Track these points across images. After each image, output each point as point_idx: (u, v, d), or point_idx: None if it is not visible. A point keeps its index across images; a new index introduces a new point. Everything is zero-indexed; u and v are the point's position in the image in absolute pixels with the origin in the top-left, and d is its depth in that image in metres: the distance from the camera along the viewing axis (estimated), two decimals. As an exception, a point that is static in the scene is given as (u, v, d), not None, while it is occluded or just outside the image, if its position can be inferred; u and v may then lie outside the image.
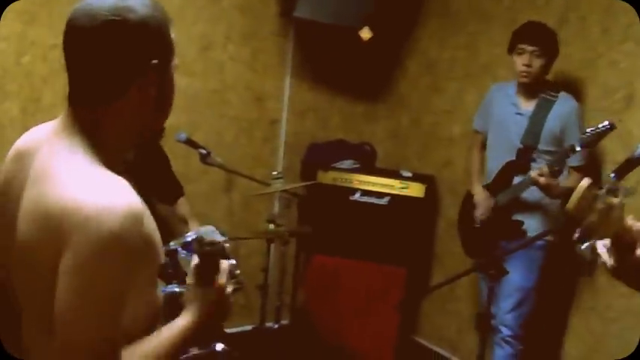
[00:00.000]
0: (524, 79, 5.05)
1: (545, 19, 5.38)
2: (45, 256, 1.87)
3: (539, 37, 4.95)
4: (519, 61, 5.01)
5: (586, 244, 2.09)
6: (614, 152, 5.04)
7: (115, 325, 1.86)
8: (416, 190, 6.36)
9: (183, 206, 5.46)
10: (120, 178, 1.96)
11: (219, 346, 4.37)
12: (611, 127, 4.42)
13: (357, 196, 6.42)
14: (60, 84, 5.50)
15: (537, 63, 4.95)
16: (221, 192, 6.17)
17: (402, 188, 6.36)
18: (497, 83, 5.48)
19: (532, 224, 5.07)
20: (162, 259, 2.13)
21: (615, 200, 2.05)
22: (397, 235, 6.35)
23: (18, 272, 2.04)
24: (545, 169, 4.77)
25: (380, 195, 6.40)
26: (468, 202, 5.55)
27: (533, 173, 4.82)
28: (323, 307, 6.48)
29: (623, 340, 4.88)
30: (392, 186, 6.37)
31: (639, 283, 2.17)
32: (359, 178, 6.45)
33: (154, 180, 5.35)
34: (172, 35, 2.17)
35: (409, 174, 6.49)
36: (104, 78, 1.99)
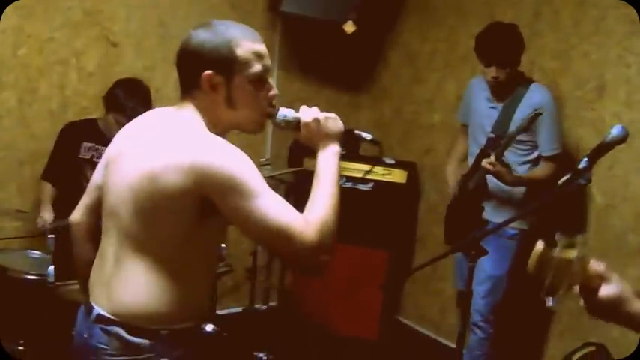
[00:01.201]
0: (494, 87, 5.04)
1: (520, 12, 5.42)
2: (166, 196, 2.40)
3: (496, 57, 4.88)
4: (487, 73, 4.97)
5: (551, 300, 2.15)
6: (588, 140, 5.06)
7: (268, 211, 2.39)
8: (398, 176, 6.36)
9: None
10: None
11: (210, 327, 4.38)
12: (539, 114, 4.50)
13: (342, 182, 6.38)
14: (55, 75, 5.50)
15: (503, 73, 4.88)
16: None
17: (385, 175, 6.36)
18: (476, 77, 5.41)
19: (489, 210, 5.07)
20: None
21: (572, 254, 2.11)
22: (381, 220, 6.36)
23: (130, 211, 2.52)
24: (492, 157, 4.77)
25: (364, 181, 6.39)
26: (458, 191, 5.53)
27: (483, 161, 4.81)
28: (309, 289, 6.49)
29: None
30: (375, 172, 6.36)
31: (613, 319, 2.21)
32: (344, 164, 6.37)
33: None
34: (248, 49, 2.56)
35: (392, 161, 6.48)
36: (183, 73, 2.71)
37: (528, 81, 5.05)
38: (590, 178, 2.96)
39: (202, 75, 2.51)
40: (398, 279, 6.71)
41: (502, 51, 4.87)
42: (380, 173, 6.35)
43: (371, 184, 6.38)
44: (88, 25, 5.59)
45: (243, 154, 2.45)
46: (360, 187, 6.39)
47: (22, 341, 4.31)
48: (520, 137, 4.83)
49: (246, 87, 2.55)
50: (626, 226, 4.95)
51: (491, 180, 4.97)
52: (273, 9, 6.40)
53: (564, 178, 3.00)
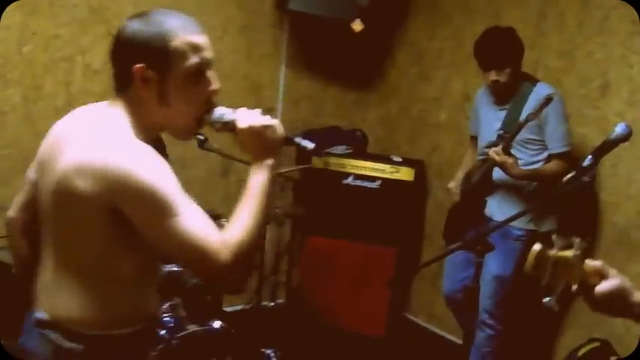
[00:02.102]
0: (496, 90, 5.07)
1: (525, 13, 5.43)
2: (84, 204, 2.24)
3: (492, 61, 4.92)
4: (486, 78, 5.00)
5: (549, 299, 2.19)
6: (591, 138, 5.07)
7: (186, 225, 2.24)
8: (406, 174, 6.37)
9: None
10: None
11: (217, 324, 4.39)
12: (550, 98, 4.55)
13: (349, 180, 6.42)
14: (60, 72, 5.51)
15: (504, 76, 4.91)
16: (218, 177, 6.17)
17: (393, 172, 6.37)
18: (482, 88, 5.43)
19: (493, 206, 5.10)
20: None
21: (570, 254, 2.15)
22: (388, 217, 6.37)
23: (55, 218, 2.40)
24: (499, 148, 4.79)
25: (371, 179, 6.41)
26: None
27: (490, 151, 4.83)
28: (317, 286, 6.50)
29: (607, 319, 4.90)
30: (383, 170, 6.38)
31: (616, 313, 2.25)
32: (351, 162, 6.45)
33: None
34: (184, 41, 2.40)
35: (399, 159, 6.50)
36: (115, 67, 2.47)
37: (534, 80, 5.05)
38: (594, 176, 2.97)
39: (133, 69, 2.32)
40: (405, 276, 6.72)
41: (497, 54, 4.90)
42: (387, 171, 6.37)
43: (378, 182, 6.39)
44: (94, 22, 5.59)
45: (166, 164, 2.32)
46: (368, 184, 6.40)
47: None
48: (530, 136, 4.85)
49: (180, 82, 2.37)
50: (630, 223, 4.96)
51: (496, 174, 5.00)
52: (280, 7, 6.39)
53: (568, 175, 3.01)
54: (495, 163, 4.84)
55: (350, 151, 6.67)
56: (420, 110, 6.89)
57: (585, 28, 5.24)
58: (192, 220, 2.26)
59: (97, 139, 2.27)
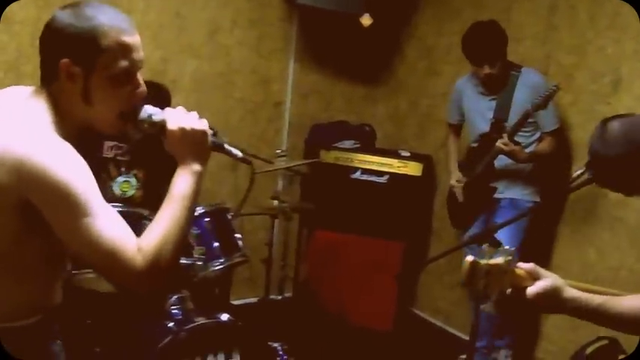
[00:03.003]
0: (488, 81, 5.20)
1: (536, 7, 5.41)
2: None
3: (485, 56, 5.07)
4: (479, 71, 5.15)
5: (486, 304, 2.30)
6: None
7: (102, 230, 2.14)
8: (414, 168, 6.37)
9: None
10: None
11: (225, 317, 4.39)
12: (557, 88, 4.71)
13: (357, 174, 6.42)
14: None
15: (496, 69, 5.08)
16: (227, 170, 6.17)
17: (401, 167, 6.37)
18: (459, 80, 5.63)
19: (502, 186, 5.26)
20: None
21: (501, 261, 2.27)
22: (396, 212, 6.37)
23: None
24: (505, 138, 4.94)
25: (379, 173, 6.41)
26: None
27: (497, 142, 4.98)
28: (325, 280, 6.50)
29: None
30: (391, 165, 6.38)
31: (553, 309, 2.40)
32: (359, 157, 6.45)
33: (158, 165, 5.37)
34: (114, 41, 2.28)
35: (407, 153, 6.50)
36: (42, 60, 2.36)
37: (518, 67, 5.20)
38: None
39: (60, 63, 2.23)
40: (413, 271, 6.71)
41: (489, 49, 5.06)
42: (395, 166, 6.36)
43: (386, 177, 6.39)
44: (106, 16, 5.60)
45: (85, 164, 2.20)
46: (376, 179, 6.40)
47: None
48: (520, 120, 4.95)
49: (106, 83, 2.27)
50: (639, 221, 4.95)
51: (499, 160, 5.15)
52: (290, 1, 6.39)
53: (578, 171, 3.01)
54: (502, 152, 5.00)
55: (358, 145, 6.67)
56: (429, 105, 6.88)
57: (597, 22, 5.21)
58: (106, 223, 2.17)
59: (17, 131, 2.16)
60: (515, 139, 5.04)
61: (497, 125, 5.19)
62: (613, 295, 2.50)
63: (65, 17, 2.27)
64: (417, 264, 6.62)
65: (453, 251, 4.34)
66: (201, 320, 4.20)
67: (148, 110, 2.40)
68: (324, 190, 6.38)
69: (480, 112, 5.36)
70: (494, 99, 5.25)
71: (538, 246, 5.30)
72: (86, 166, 2.19)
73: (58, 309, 2.53)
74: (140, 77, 2.36)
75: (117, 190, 5.14)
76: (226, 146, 2.61)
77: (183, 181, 2.40)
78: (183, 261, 4.38)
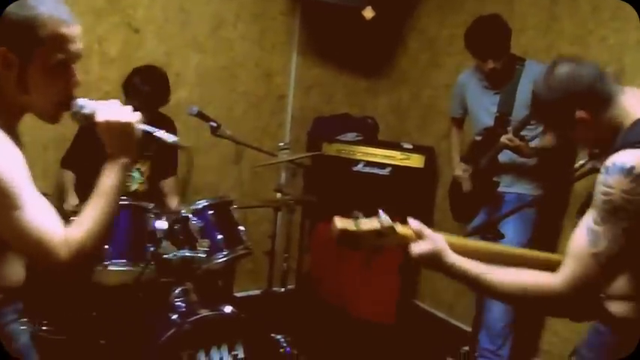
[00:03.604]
0: (493, 76, 5.16)
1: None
2: None
3: (490, 51, 5.02)
4: (484, 66, 5.09)
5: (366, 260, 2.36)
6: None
7: (29, 219, 2.14)
8: (416, 160, 6.36)
9: (169, 183, 5.49)
10: None
11: (228, 309, 4.40)
12: None
13: (360, 166, 6.43)
14: (81, 62, 5.52)
15: (500, 63, 5.03)
16: (231, 163, 6.17)
17: (403, 159, 6.37)
18: (463, 73, 5.57)
19: (507, 180, 5.19)
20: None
21: (375, 224, 2.46)
22: (398, 204, 6.34)
23: None
24: (511, 134, 4.87)
25: (382, 166, 6.41)
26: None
27: (502, 138, 4.91)
28: (327, 272, 6.51)
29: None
30: (393, 157, 6.38)
31: (435, 269, 2.50)
32: (362, 149, 6.46)
33: (160, 157, 5.38)
34: (53, 32, 2.24)
35: (410, 146, 6.50)
36: None
37: (521, 60, 5.16)
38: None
39: None
40: (415, 263, 6.71)
41: (494, 44, 5.00)
42: (398, 158, 6.36)
43: (389, 169, 6.39)
44: (110, 11, 5.62)
45: (16, 152, 2.21)
46: (378, 171, 6.40)
47: (45, 322, 4.33)
48: (525, 113, 4.92)
49: (42, 73, 2.25)
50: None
51: (504, 155, 5.09)
52: (292, -5, 6.39)
53: (581, 161, 3.00)
54: (506, 148, 4.93)
55: (360, 138, 6.67)
56: (431, 97, 6.88)
57: (599, 12, 5.20)
58: (34, 213, 2.16)
59: None
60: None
61: (502, 119, 5.16)
62: (500, 255, 2.59)
63: (12, 5, 2.20)
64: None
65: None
66: (204, 312, 4.21)
67: (79, 103, 2.41)
68: (327, 183, 6.38)
69: (484, 107, 5.32)
70: (498, 93, 5.21)
71: (544, 240, 5.28)
72: (19, 155, 2.20)
73: (21, 288, 2.49)
74: (76, 68, 2.34)
75: (120, 184, 5.15)
76: (157, 133, 2.59)
77: (110, 174, 2.40)
78: (187, 253, 4.39)
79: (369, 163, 6.42)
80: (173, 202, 5.35)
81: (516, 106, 5.09)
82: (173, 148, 5.46)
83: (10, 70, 2.21)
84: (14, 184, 2.12)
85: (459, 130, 5.79)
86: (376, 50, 7.17)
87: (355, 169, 6.44)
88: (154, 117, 5.20)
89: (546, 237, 5.32)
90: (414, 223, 2.35)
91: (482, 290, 2.40)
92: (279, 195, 5.28)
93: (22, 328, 2.51)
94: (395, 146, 6.50)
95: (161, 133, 2.60)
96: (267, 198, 5.56)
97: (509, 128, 4.93)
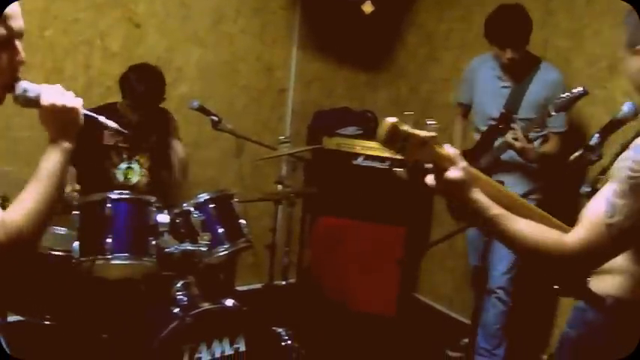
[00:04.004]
0: (509, 67, 5.08)
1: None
2: None
3: (510, 40, 4.94)
4: (502, 55, 5.01)
5: (400, 169, 2.31)
6: (599, 118, 5.04)
7: None
8: (415, 154, 6.35)
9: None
10: None
11: (230, 302, 4.41)
12: (585, 93, 4.40)
13: (359, 160, 6.43)
14: (80, 56, 5.54)
15: (518, 53, 4.94)
16: (232, 157, 6.17)
17: (403, 152, 6.36)
18: (477, 57, 5.49)
19: (510, 181, 5.05)
20: None
21: (421, 133, 2.26)
22: (398, 197, 6.37)
23: None
24: (519, 133, 4.79)
25: (381, 159, 6.41)
26: None
27: (508, 137, 4.85)
28: (328, 265, 6.52)
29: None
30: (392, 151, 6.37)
31: (458, 200, 2.38)
32: (362, 143, 6.46)
33: (160, 150, 5.39)
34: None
35: (409, 139, 6.48)
36: None
37: (538, 60, 5.09)
38: (602, 155, 2.97)
39: None
40: (415, 255, 6.73)
41: (516, 33, 4.91)
42: (397, 151, 6.36)
43: (388, 162, 6.39)
44: (112, 6, 5.64)
45: None
46: (377, 164, 6.41)
47: (47, 316, 4.34)
48: (529, 115, 4.90)
49: None
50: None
51: (505, 154, 5.03)
52: (292, -11, 6.40)
53: (576, 153, 3.01)
54: (511, 148, 4.87)
55: (360, 131, 6.68)
56: (429, 91, 6.89)
57: (594, 7, 5.21)
58: None
59: None
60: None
61: (507, 117, 5.09)
62: (523, 206, 2.54)
63: None
64: (419, 249, 6.63)
65: (455, 234, 4.34)
66: (206, 306, 4.22)
67: (23, 85, 2.35)
68: (327, 176, 6.38)
69: (492, 95, 5.24)
70: (507, 87, 5.15)
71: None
72: None
73: None
74: (20, 46, 2.29)
75: (120, 177, 5.17)
76: (100, 119, 2.64)
77: (51, 159, 2.36)
78: (188, 247, 4.41)
79: (368, 157, 6.42)
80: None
81: (523, 106, 5.04)
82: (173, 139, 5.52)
83: None
84: None
85: (463, 119, 5.70)
86: (375, 45, 7.18)
87: (355, 162, 6.44)
88: (151, 114, 5.21)
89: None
90: (451, 149, 2.32)
91: (496, 233, 2.36)
92: (279, 188, 5.28)
93: None
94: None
95: (103, 119, 2.65)
96: (268, 191, 5.57)
97: (516, 127, 4.86)
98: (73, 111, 2.39)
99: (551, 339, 5.63)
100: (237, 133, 5.32)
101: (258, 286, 6.32)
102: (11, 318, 4.41)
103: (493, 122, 5.19)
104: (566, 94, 4.49)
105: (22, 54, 2.28)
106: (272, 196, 5.38)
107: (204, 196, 4.70)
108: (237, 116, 6.22)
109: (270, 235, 5.44)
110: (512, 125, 4.90)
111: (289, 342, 5.01)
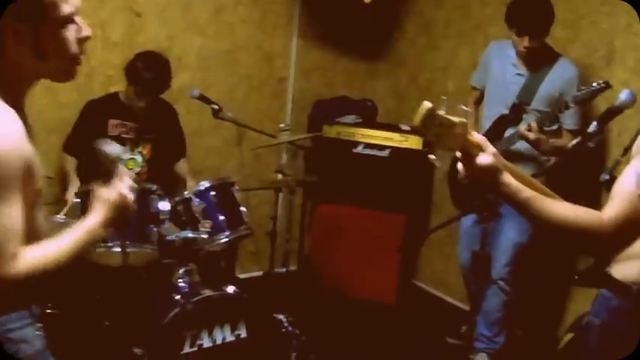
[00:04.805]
0: (525, 56, 4.97)
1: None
2: None
3: (530, 27, 4.81)
4: (518, 42, 4.90)
5: (433, 157, 2.39)
6: (597, 107, 5.02)
7: (10, 228, 2.05)
8: (414, 142, 6.36)
9: (182, 165, 5.52)
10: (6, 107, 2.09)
11: (231, 289, 4.42)
12: (607, 86, 4.31)
13: (359, 148, 6.43)
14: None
15: (535, 43, 4.82)
16: (232, 145, 6.18)
17: (402, 141, 6.37)
18: (496, 41, 5.39)
19: None
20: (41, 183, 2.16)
21: (455, 119, 2.25)
22: (397, 185, 6.37)
23: None
24: (534, 125, 4.70)
25: (381, 147, 6.41)
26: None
27: (521, 128, 4.78)
28: (328, 253, 6.51)
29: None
30: (392, 139, 6.38)
31: (487, 185, 2.38)
32: (361, 131, 6.46)
33: (164, 139, 5.40)
34: None
35: (408, 127, 6.49)
36: None
37: (556, 54, 5.00)
38: (600, 142, 2.97)
39: (3, 26, 2.07)
40: (415, 243, 6.73)
41: (537, 21, 4.81)
42: (397, 140, 6.37)
43: (388, 151, 6.39)
44: (113, -5, 5.63)
45: (18, 145, 2.09)
46: (377, 153, 6.40)
47: (49, 304, 4.34)
48: (543, 108, 4.84)
49: (56, 32, 2.16)
50: (636, 192, 4.95)
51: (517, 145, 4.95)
52: (292, -22, 6.39)
53: (574, 141, 3.02)
54: (524, 139, 4.78)
55: (360, 120, 6.67)
56: (428, 80, 6.89)
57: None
58: (5, 215, 2.04)
59: None
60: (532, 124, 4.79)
61: (519, 108, 5.02)
62: (544, 191, 2.53)
63: None
64: (418, 236, 6.63)
65: (454, 220, 4.36)
66: (207, 292, 4.23)
67: (116, 150, 2.53)
68: (327, 165, 6.37)
69: (504, 81, 5.13)
70: (521, 74, 5.05)
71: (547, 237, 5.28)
72: (19, 148, 2.10)
73: (36, 292, 2.43)
74: (81, 21, 2.26)
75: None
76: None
77: (94, 232, 2.38)
78: (189, 234, 4.42)
79: (368, 145, 6.42)
80: (191, 183, 5.35)
81: (537, 97, 4.94)
82: (178, 130, 5.53)
83: (23, 41, 2.11)
84: (7, 176, 2.04)
85: (475, 106, 5.53)
86: (375, 34, 7.16)
87: (355, 151, 6.43)
88: (155, 103, 5.22)
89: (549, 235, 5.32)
90: (479, 136, 2.32)
91: (530, 214, 2.35)
92: (280, 176, 5.28)
93: (37, 333, 2.42)
94: (394, 128, 6.50)
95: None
96: (269, 179, 5.57)
97: (532, 120, 4.78)
98: (129, 211, 2.50)
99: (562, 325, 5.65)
100: (238, 121, 5.32)
101: (259, 273, 6.33)
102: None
103: (505, 111, 5.10)
104: (587, 87, 4.43)
105: (87, 29, 2.27)
106: (272, 184, 5.38)
107: (205, 184, 4.71)
108: (238, 105, 6.21)
109: (270, 223, 5.44)
110: (525, 116, 4.86)
111: (290, 329, 5.03)
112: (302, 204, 6.36)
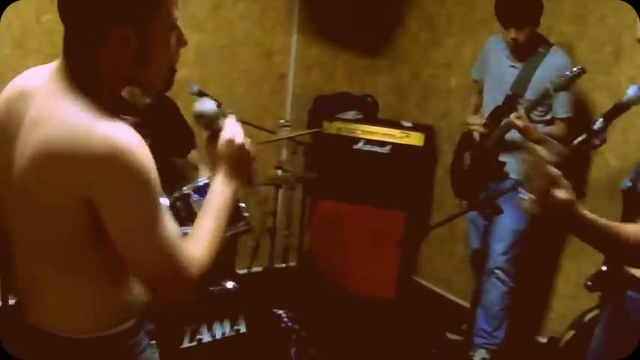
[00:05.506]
0: (514, 47, 5.06)
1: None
2: (52, 193, 1.89)
3: (513, 19, 4.91)
4: (506, 35, 5.00)
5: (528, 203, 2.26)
6: (603, 104, 5.02)
7: (167, 230, 1.95)
8: (416, 139, 6.35)
9: (194, 155, 5.50)
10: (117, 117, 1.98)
11: (230, 284, 4.39)
12: (582, 71, 4.47)
13: (360, 144, 6.41)
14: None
15: (522, 35, 4.91)
16: (232, 142, 6.15)
17: (403, 137, 6.36)
18: (494, 35, 5.43)
19: (513, 164, 5.02)
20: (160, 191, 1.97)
21: (543, 152, 2.33)
22: (398, 181, 6.36)
23: (18, 210, 2.05)
24: (522, 112, 4.79)
25: (382, 144, 6.40)
26: (461, 146, 5.55)
27: (511, 116, 4.83)
28: (328, 249, 6.51)
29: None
30: (393, 135, 6.36)
31: (564, 221, 2.29)
32: (362, 128, 6.44)
33: (167, 133, 5.38)
34: None
35: (409, 124, 6.49)
36: (83, 29, 1.92)
37: (548, 44, 5.06)
38: (605, 139, 2.94)
39: (111, 31, 1.89)
40: (415, 239, 6.71)
41: (519, 13, 4.87)
42: (397, 136, 6.35)
43: (388, 147, 6.38)
44: (111, -10, 5.59)
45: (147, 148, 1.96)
46: (378, 149, 6.39)
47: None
48: (537, 97, 4.85)
49: (161, 39, 2.02)
50: (640, 189, 4.94)
51: (512, 134, 5.00)
52: (292, -26, 6.37)
53: (580, 138, 2.98)
54: (514, 127, 4.85)
55: (361, 116, 6.66)
56: (430, 76, 6.87)
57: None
58: (168, 227, 1.96)
59: (71, 120, 1.86)
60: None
61: (513, 99, 5.07)
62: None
63: None
64: (418, 233, 6.62)
65: (454, 218, 4.32)
66: (207, 288, 4.21)
67: (211, 106, 2.46)
68: (328, 161, 6.36)
69: (500, 73, 5.23)
70: (515, 66, 5.13)
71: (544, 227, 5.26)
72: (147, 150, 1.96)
73: (151, 307, 2.29)
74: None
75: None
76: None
77: (225, 193, 2.26)
78: (188, 230, 4.39)
79: (369, 141, 6.41)
80: (204, 172, 5.32)
81: (530, 88, 5.01)
82: (181, 124, 5.50)
83: (127, 47, 1.93)
84: (156, 187, 1.93)
85: (477, 98, 5.65)
86: (376, 29, 7.13)
87: (355, 147, 6.42)
88: (157, 100, 5.19)
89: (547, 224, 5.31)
90: (554, 170, 2.23)
91: (607, 242, 2.29)
92: (280, 172, 5.26)
93: (153, 351, 2.34)
94: (395, 124, 6.50)
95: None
96: (269, 175, 5.54)
97: (520, 107, 4.86)
98: (249, 153, 2.42)
99: (549, 322, 5.64)
100: (237, 117, 5.30)
101: (259, 269, 6.31)
102: (12, 300, 4.39)
103: (500, 102, 5.18)
104: (566, 73, 4.53)
105: (184, 36, 2.16)
106: (272, 181, 5.36)
107: (204, 180, 4.67)
108: (237, 101, 6.19)
109: (270, 219, 5.42)
110: (519, 107, 4.88)
111: (289, 324, 5.01)
112: (302, 200, 6.34)
